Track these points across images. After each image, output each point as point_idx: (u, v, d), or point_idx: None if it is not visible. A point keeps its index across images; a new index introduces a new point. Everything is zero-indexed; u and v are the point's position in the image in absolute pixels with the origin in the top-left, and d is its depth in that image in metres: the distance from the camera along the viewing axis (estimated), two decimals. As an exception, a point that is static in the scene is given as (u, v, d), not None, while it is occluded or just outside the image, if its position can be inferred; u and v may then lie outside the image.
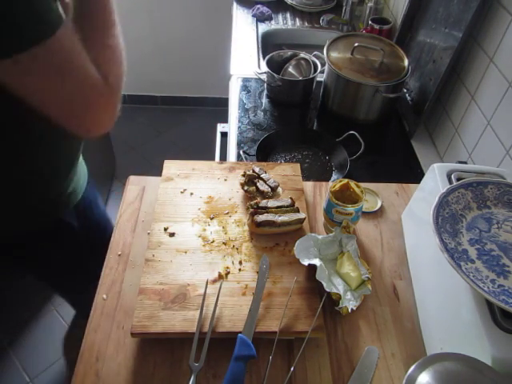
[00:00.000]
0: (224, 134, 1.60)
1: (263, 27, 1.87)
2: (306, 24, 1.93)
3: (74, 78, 0.60)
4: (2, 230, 0.89)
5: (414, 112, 1.38)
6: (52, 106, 0.62)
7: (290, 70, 1.51)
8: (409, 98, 1.43)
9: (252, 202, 0.89)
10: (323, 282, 0.76)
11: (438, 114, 1.32)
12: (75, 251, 1.06)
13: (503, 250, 0.63)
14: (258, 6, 1.93)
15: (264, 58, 1.48)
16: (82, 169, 1.00)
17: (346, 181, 0.90)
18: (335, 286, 0.78)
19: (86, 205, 1.02)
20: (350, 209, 0.86)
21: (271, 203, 0.90)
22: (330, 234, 0.86)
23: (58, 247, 1.01)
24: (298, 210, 0.89)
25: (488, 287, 0.59)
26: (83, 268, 1.04)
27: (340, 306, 0.76)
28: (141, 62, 2.62)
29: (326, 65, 1.38)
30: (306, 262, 0.79)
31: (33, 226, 0.93)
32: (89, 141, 0.77)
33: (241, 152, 1.23)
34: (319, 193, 1.02)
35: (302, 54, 1.50)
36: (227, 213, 0.91)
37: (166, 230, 0.86)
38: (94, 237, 1.05)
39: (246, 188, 0.94)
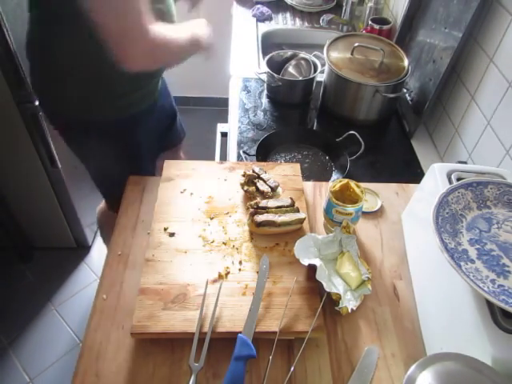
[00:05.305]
0: (224, 134, 1.60)
1: (263, 27, 1.87)
2: (306, 24, 1.93)
3: (127, 15, 0.79)
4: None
5: (414, 112, 1.38)
6: (106, 29, 0.80)
7: (290, 70, 1.51)
8: (409, 98, 1.43)
9: (252, 202, 0.89)
10: (323, 282, 0.76)
11: (438, 114, 1.32)
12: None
13: (503, 250, 0.63)
14: (258, 6, 1.93)
15: (264, 58, 1.48)
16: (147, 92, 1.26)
17: (346, 181, 0.90)
18: (335, 286, 0.78)
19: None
20: (350, 209, 0.86)
21: (271, 203, 0.90)
22: (330, 234, 0.86)
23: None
24: (298, 210, 0.89)
25: (488, 287, 0.59)
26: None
27: (340, 306, 0.76)
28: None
29: (326, 65, 1.37)
30: (306, 262, 0.79)
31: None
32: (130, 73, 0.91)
33: (241, 152, 1.23)
34: (319, 193, 1.02)
35: (302, 54, 1.50)
36: (227, 213, 0.91)
37: (165, 229, 0.86)
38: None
39: (245, 188, 0.93)
